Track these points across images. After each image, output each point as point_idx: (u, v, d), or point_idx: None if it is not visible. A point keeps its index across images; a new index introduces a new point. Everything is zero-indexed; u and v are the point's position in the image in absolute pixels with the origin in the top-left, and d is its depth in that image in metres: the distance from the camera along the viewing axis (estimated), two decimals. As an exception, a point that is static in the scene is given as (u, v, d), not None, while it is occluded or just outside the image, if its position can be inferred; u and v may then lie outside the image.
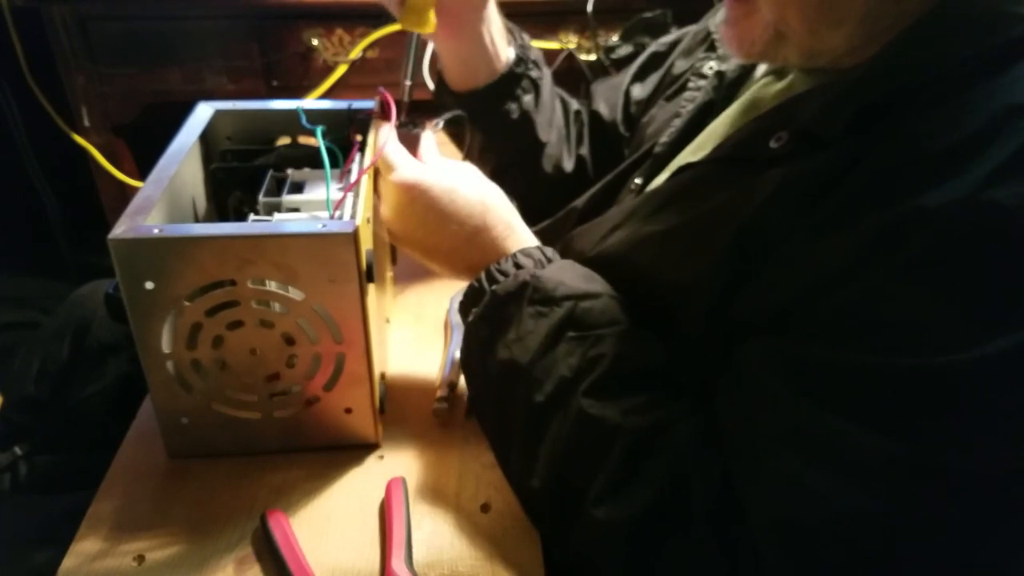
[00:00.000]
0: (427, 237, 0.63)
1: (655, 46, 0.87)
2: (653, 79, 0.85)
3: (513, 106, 0.83)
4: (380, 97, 0.70)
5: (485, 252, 0.62)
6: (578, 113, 0.90)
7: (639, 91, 0.86)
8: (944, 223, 0.41)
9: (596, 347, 0.55)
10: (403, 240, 0.66)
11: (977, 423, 0.42)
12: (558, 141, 0.87)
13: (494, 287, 0.59)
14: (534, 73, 0.84)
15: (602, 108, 0.89)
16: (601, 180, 0.77)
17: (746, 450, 0.48)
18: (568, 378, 0.54)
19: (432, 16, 0.70)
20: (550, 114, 0.86)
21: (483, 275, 0.61)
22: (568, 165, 0.88)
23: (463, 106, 0.78)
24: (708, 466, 0.49)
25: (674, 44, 0.85)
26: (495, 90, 0.82)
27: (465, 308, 0.63)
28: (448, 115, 0.74)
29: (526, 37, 0.86)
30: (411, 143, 0.67)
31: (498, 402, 0.59)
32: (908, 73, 0.47)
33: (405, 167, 0.62)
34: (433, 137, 0.69)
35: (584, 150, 0.89)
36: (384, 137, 0.64)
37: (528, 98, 0.84)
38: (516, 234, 0.64)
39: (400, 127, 0.69)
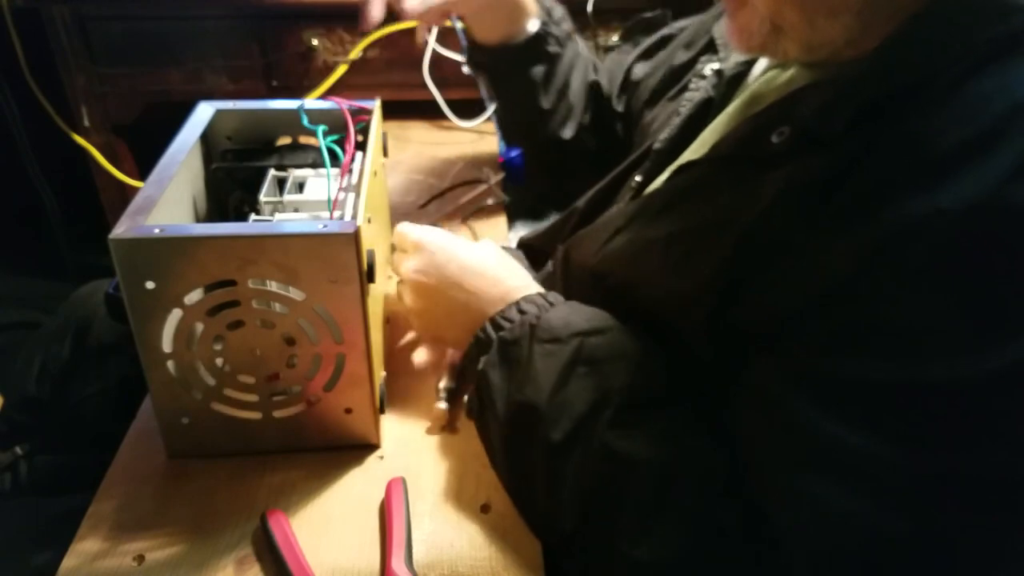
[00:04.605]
0: (450, 301, 0.65)
1: (667, 28, 0.89)
2: (657, 59, 0.86)
3: (528, 71, 0.92)
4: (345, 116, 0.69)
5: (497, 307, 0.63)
6: (595, 82, 0.95)
7: (640, 69, 0.88)
8: (949, 225, 0.41)
9: (609, 380, 0.54)
10: (424, 321, 0.68)
11: (1004, 432, 0.41)
12: (565, 109, 0.93)
13: (501, 333, 0.59)
14: (552, 49, 0.90)
15: (603, 80, 0.94)
16: (601, 180, 0.77)
17: (766, 471, 0.48)
18: (585, 413, 0.53)
19: None
20: (562, 85, 0.92)
21: (488, 324, 0.61)
22: (567, 133, 0.93)
23: (486, 59, 0.92)
24: (730, 489, 0.49)
25: (685, 27, 0.86)
26: (508, 55, 0.90)
27: (471, 361, 0.62)
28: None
29: (558, 11, 0.92)
30: None
31: (515, 447, 0.58)
32: (908, 70, 0.46)
33: (414, 227, 0.68)
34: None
35: (586, 117, 0.94)
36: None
37: (538, 69, 0.91)
38: (526, 290, 0.64)
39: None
